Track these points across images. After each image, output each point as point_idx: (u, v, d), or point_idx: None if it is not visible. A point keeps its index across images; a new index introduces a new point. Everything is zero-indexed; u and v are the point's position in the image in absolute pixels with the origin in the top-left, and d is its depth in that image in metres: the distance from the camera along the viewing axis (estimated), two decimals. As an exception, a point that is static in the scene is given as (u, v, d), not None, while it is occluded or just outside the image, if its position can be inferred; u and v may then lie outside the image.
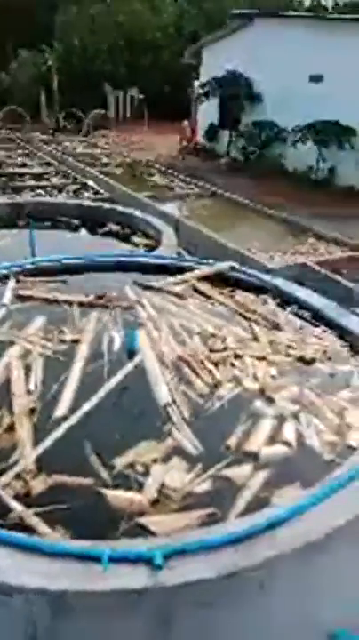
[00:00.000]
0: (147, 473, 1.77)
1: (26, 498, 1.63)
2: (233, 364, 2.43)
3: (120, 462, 1.80)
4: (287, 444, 1.95)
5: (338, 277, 6.07)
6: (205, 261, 3.49)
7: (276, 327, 2.76)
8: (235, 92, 14.73)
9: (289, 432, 2.00)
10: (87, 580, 1.34)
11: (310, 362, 2.49)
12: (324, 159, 12.41)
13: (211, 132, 16.92)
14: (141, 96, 21.35)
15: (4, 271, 3.20)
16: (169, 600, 1.36)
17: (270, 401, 2.18)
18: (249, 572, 1.41)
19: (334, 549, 1.58)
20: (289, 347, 2.57)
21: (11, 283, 3.08)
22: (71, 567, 1.36)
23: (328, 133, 12.09)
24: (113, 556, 1.36)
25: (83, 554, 1.38)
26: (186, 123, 17.95)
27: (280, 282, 3.23)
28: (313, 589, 1.60)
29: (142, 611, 1.36)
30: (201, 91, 16.04)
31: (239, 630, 1.52)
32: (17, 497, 1.63)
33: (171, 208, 8.28)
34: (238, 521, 1.57)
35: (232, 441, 1.94)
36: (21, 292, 3.00)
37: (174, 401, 2.15)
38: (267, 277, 3.28)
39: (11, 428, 1.93)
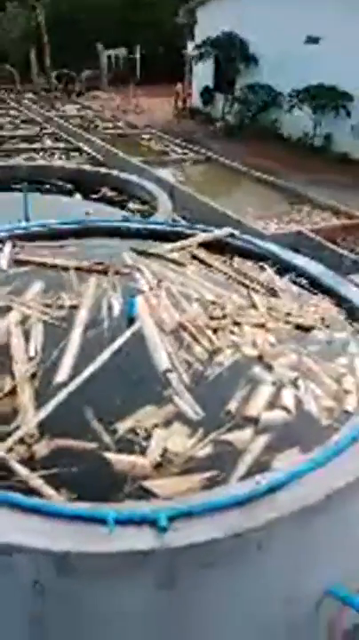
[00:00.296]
0: (149, 437, 1.79)
1: (29, 462, 1.65)
2: (232, 331, 2.43)
3: (122, 427, 1.82)
4: (286, 409, 1.97)
5: (332, 246, 6.05)
6: (203, 228, 3.44)
7: (275, 294, 2.76)
8: (231, 54, 14.31)
9: (288, 398, 2.02)
10: (92, 541, 1.36)
11: (308, 329, 2.50)
12: (320, 125, 12.19)
13: (206, 96, 16.51)
14: (133, 56, 20.65)
15: (0, 235, 3.15)
16: (173, 561, 1.39)
17: (269, 367, 2.20)
18: (251, 533, 1.44)
19: (332, 511, 1.62)
20: (287, 314, 2.57)
21: (8, 247, 3.04)
22: (76, 529, 1.39)
23: (324, 99, 11.85)
24: (118, 518, 1.38)
25: (89, 516, 1.40)
26: (180, 86, 17.49)
27: (278, 249, 3.21)
28: (310, 550, 1.64)
29: (147, 572, 1.40)
30: (195, 52, 15.56)
31: (238, 588, 1.57)
32: (21, 461, 1.64)
33: (166, 173, 8.14)
34: (240, 484, 1.60)
35: (232, 406, 1.96)
36: (18, 257, 2.96)
37: (174, 367, 2.15)
38: (265, 245, 3.26)
39: (12, 394, 1.93)
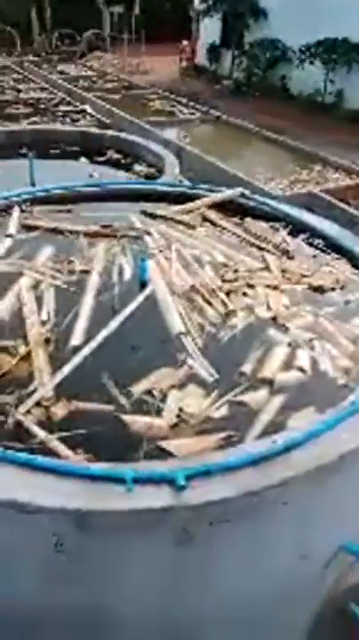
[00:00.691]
0: (164, 399, 1.79)
1: (47, 424, 1.66)
2: (245, 294, 2.40)
3: (137, 389, 1.82)
4: (301, 370, 1.96)
5: (344, 206, 5.92)
6: (213, 189, 3.37)
7: (289, 256, 2.71)
8: (239, 9, 13.75)
9: (303, 358, 2.01)
10: (112, 499, 1.38)
11: (323, 290, 2.46)
12: (332, 81, 11.78)
13: (213, 53, 15.96)
14: (135, 13, 19.89)
15: (7, 200, 3.11)
16: (191, 518, 1.41)
17: (284, 329, 2.18)
18: (267, 491, 1.45)
19: (346, 471, 1.62)
20: (302, 275, 2.54)
21: (16, 212, 3.00)
22: (96, 488, 1.40)
23: (336, 52, 11.41)
24: (136, 477, 1.40)
25: (108, 475, 1.42)
26: (186, 43, 16.90)
27: (291, 209, 3.14)
28: (323, 508, 1.66)
29: (165, 529, 1.42)
30: (202, 7, 14.96)
31: (254, 545, 1.59)
32: (38, 423, 1.65)
33: (173, 134, 7.95)
34: (256, 443, 1.60)
35: (247, 368, 1.96)
36: (27, 222, 2.93)
37: (187, 330, 2.14)
38: (278, 205, 3.19)
39: (26, 358, 1.93)
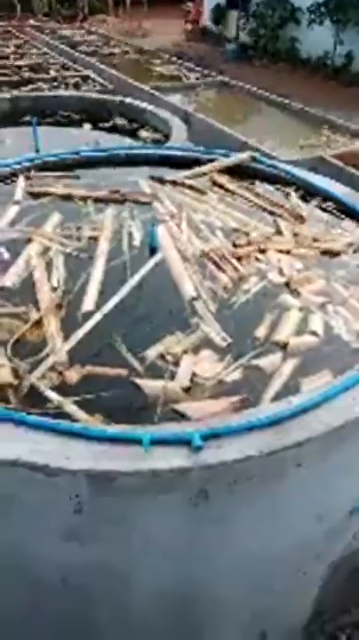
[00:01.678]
0: (177, 363, 1.79)
1: (62, 388, 1.66)
2: (257, 259, 2.38)
3: (150, 354, 1.81)
4: (315, 333, 1.95)
5: (354, 170, 5.79)
6: (222, 152, 3.30)
7: (300, 220, 2.67)
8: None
9: (316, 322, 2.00)
10: (129, 461, 1.39)
11: (336, 254, 2.43)
12: (342, 42, 11.40)
13: (219, 14, 15.43)
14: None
15: (12, 168, 3.06)
16: (208, 478, 1.42)
17: (296, 293, 2.16)
18: (283, 452, 1.46)
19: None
20: (314, 239, 2.50)
21: (22, 179, 2.95)
22: (113, 450, 1.41)
23: (346, 10, 10.99)
24: (153, 439, 1.40)
25: (124, 437, 1.42)
26: (190, 4, 16.35)
27: (302, 173, 3.07)
28: (340, 468, 1.67)
29: (183, 489, 1.43)
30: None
31: (270, 505, 1.61)
32: (53, 388, 1.66)
33: (179, 99, 7.75)
34: (271, 405, 1.60)
35: (260, 332, 1.95)
36: (33, 189, 2.88)
37: (199, 295, 2.12)
38: (289, 168, 3.12)
39: (38, 324, 1.93)
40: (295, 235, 2.55)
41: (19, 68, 8.97)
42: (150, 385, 1.69)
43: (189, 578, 1.68)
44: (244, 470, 1.44)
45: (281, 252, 2.42)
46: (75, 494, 1.41)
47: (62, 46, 11.20)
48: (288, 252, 2.42)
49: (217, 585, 1.74)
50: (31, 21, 16.32)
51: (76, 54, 10.35)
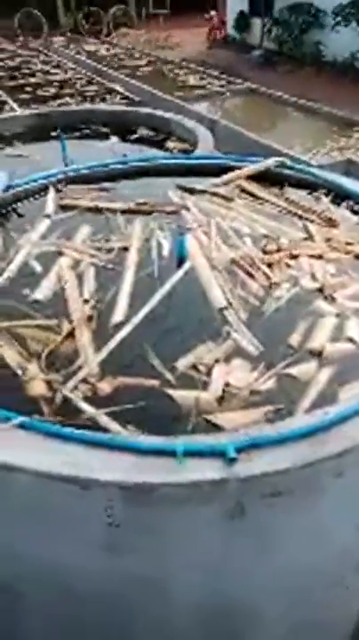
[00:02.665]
0: (209, 373, 1.76)
1: (94, 400, 1.66)
2: (288, 265, 2.34)
3: (182, 364, 1.80)
4: (351, 340, 1.90)
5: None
6: (250, 159, 3.27)
7: (332, 224, 2.62)
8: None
9: (353, 329, 1.94)
10: (163, 473, 1.37)
11: (370, 258, 2.37)
12: (369, 42, 11.27)
13: (242, 22, 15.49)
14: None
15: (43, 181, 3.11)
16: (243, 491, 1.39)
17: (331, 299, 2.11)
18: (320, 463, 1.42)
19: None
20: (347, 243, 2.44)
21: (52, 193, 3.00)
22: (147, 462, 1.40)
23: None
24: (187, 450, 1.38)
25: (158, 448, 1.41)
26: (213, 13, 16.46)
27: (332, 176, 3.02)
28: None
29: (218, 502, 1.41)
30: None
31: (307, 517, 1.56)
32: (85, 399, 1.66)
33: (204, 108, 7.79)
34: (307, 415, 1.56)
35: (294, 340, 1.91)
36: (63, 202, 2.92)
37: (230, 304, 2.10)
38: (318, 172, 3.07)
39: (70, 336, 1.94)
40: (327, 239, 2.50)
41: (47, 84, 9.18)
42: (182, 395, 1.67)
43: (226, 591, 1.65)
44: (280, 482, 1.40)
45: (313, 257, 2.38)
46: (110, 507, 1.41)
47: (88, 61, 11.42)
48: (320, 257, 2.37)
49: (254, 598, 1.70)
50: (57, 38, 16.72)
51: (102, 68, 10.53)
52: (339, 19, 11.54)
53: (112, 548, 1.52)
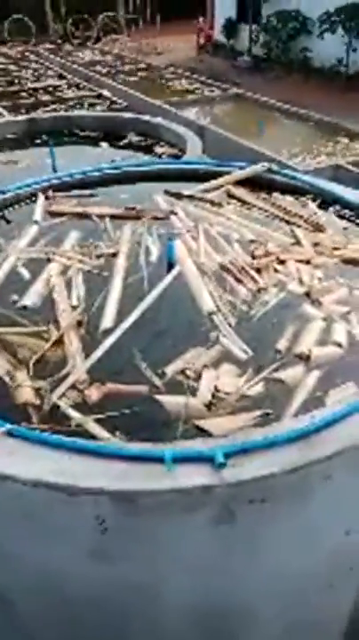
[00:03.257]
0: (198, 379, 1.77)
1: (82, 407, 1.66)
2: (276, 270, 2.35)
3: (170, 369, 1.80)
4: (338, 344, 1.91)
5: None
6: (238, 164, 3.30)
7: (319, 229, 2.64)
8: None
9: (339, 333, 1.96)
10: (151, 479, 1.37)
11: (357, 262, 2.39)
12: (355, 49, 11.39)
13: (230, 28, 15.60)
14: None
15: (31, 188, 3.11)
16: (232, 496, 1.39)
17: (318, 303, 2.12)
18: (308, 467, 1.42)
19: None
20: (334, 248, 2.46)
21: (41, 199, 2.99)
22: (135, 468, 1.40)
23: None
24: (175, 456, 1.38)
25: (146, 455, 1.41)
26: (201, 19, 16.57)
27: (320, 182, 3.05)
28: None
29: (206, 507, 1.41)
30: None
31: (297, 522, 1.57)
32: (74, 406, 1.65)
33: (193, 114, 7.83)
34: (295, 420, 1.57)
35: (281, 344, 1.92)
36: (52, 209, 2.92)
37: (218, 309, 2.11)
38: (306, 178, 3.10)
39: (59, 342, 1.93)
40: (314, 244, 2.52)
41: (36, 90, 9.18)
42: (171, 401, 1.67)
43: (219, 594, 1.65)
44: (269, 487, 1.40)
45: (300, 261, 2.39)
46: (99, 514, 1.40)
47: (77, 67, 11.44)
48: (308, 262, 2.39)
49: (247, 601, 1.70)
50: (46, 45, 16.73)
51: (91, 74, 10.55)
52: (325, 26, 11.67)
53: (102, 554, 1.51)
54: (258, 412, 1.63)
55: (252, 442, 1.43)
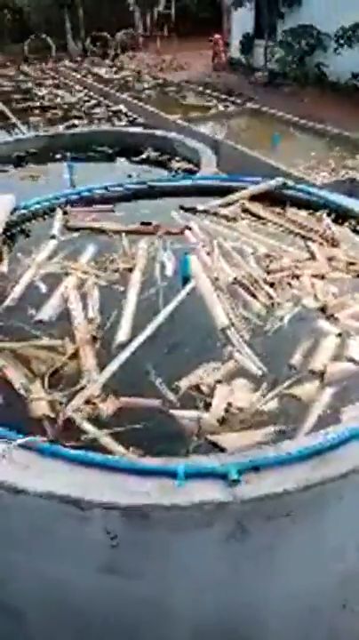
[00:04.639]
0: (212, 394, 1.77)
1: (97, 421, 1.67)
2: (291, 285, 2.35)
3: (184, 384, 1.80)
4: (353, 360, 1.90)
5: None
6: (253, 180, 3.31)
7: (334, 244, 2.63)
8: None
9: (354, 349, 1.95)
10: (164, 494, 1.37)
11: (372, 278, 2.38)
12: (372, 63, 11.40)
13: (247, 44, 15.73)
14: (167, 11, 19.92)
15: (50, 203, 3.16)
16: (245, 513, 1.39)
17: (333, 319, 2.12)
18: (322, 485, 1.41)
19: None
20: (350, 263, 2.46)
21: (59, 214, 3.04)
22: (148, 483, 1.40)
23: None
24: (188, 472, 1.38)
25: (159, 470, 1.41)
26: (218, 36, 16.75)
27: (335, 196, 3.05)
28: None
29: (219, 524, 1.40)
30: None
31: (309, 539, 1.55)
32: (88, 420, 1.66)
33: (209, 129, 7.90)
34: (309, 437, 1.56)
35: (296, 360, 1.91)
36: (69, 224, 2.96)
37: (233, 324, 2.11)
38: (321, 192, 3.10)
39: (75, 356, 1.95)
40: (329, 259, 2.51)
41: (55, 107, 9.36)
42: (185, 416, 1.67)
43: (231, 610, 1.63)
44: (282, 504, 1.39)
45: (315, 276, 2.39)
46: (110, 528, 1.40)
47: (95, 84, 11.64)
48: (322, 277, 2.38)
49: (258, 617, 1.68)
50: (66, 62, 17.08)
51: (109, 91, 10.72)
52: (342, 41, 11.72)
53: (114, 569, 1.51)
54: (272, 429, 1.63)
55: (266, 458, 1.43)
